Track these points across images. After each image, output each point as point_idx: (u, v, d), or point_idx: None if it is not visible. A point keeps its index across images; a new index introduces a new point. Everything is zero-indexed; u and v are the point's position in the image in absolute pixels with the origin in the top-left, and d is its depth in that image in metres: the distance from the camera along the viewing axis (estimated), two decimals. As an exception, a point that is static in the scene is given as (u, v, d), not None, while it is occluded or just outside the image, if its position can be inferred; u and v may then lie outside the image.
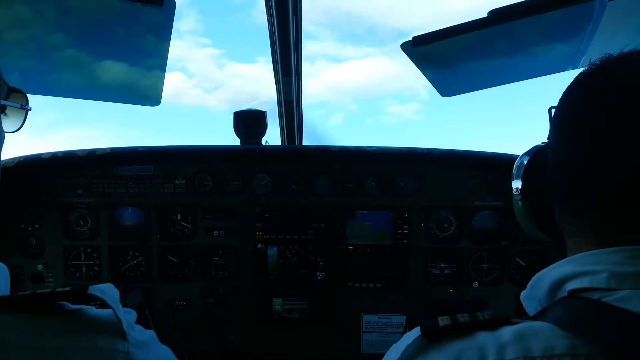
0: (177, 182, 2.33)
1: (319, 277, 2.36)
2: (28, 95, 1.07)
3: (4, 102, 1.00)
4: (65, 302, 0.83)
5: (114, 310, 0.82)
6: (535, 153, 0.96)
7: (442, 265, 2.41)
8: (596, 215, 0.77)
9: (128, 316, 0.90)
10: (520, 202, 1.00)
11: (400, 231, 2.33)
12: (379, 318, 2.43)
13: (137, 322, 0.94)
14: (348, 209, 2.33)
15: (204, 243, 2.38)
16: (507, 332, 0.74)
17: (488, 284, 2.39)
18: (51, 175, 2.31)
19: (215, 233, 2.38)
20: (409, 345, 0.80)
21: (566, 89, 0.82)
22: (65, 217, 2.36)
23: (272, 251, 2.36)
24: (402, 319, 2.41)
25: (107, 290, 0.85)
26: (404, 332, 2.36)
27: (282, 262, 2.37)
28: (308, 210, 2.33)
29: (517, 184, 0.99)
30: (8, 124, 1.02)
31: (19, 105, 1.05)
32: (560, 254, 0.87)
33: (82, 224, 2.37)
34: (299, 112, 2.39)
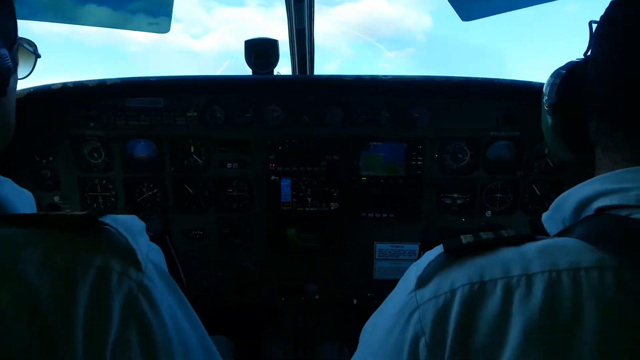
0: (188, 114, 2.30)
1: (332, 208, 2.39)
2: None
3: (23, 45, 0.97)
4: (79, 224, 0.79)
5: (127, 239, 0.78)
6: (571, 67, 0.94)
7: (455, 195, 2.42)
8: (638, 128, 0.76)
9: (153, 254, 0.86)
10: (551, 117, 0.98)
11: (414, 162, 2.32)
12: (392, 246, 2.48)
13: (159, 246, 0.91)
14: (361, 140, 2.30)
15: (217, 175, 2.39)
16: (531, 247, 0.74)
17: (501, 213, 2.41)
18: (62, 107, 2.29)
19: (229, 165, 2.38)
20: (430, 262, 0.80)
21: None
22: (78, 149, 2.36)
23: (286, 183, 2.36)
24: (414, 247, 2.46)
25: (124, 221, 0.82)
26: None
27: (296, 194, 2.38)
28: (321, 142, 2.31)
29: (550, 98, 0.97)
30: (19, 70, 1.00)
31: (32, 49, 1.03)
32: (578, 182, 0.86)
33: (95, 156, 2.37)
34: (311, 41, 2.31)
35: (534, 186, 2.36)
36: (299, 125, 2.31)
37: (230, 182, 2.42)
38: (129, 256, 0.77)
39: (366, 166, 2.34)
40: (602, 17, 0.81)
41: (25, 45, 1.02)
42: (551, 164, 2.33)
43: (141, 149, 2.38)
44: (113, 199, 2.43)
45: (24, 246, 0.73)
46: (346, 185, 2.37)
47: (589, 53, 0.87)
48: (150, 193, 2.43)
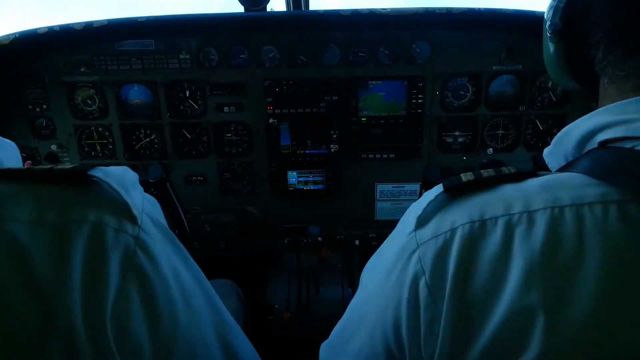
0: (181, 56, 2.24)
1: (332, 150, 2.36)
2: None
3: None
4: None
5: (119, 192, 0.75)
6: None
7: (457, 133, 2.39)
8: None
9: (149, 206, 0.82)
10: (553, 45, 0.93)
11: (414, 101, 2.27)
12: (393, 187, 2.47)
13: (159, 194, 0.87)
14: (360, 80, 2.25)
15: (215, 120, 2.35)
16: (533, 183, 0.71)
17: (503, 150, 2.38)
18: (51, 53, 2.22)
19: (226, 109, 2.34)
20: (430, 202, 0.78)
21: None
22: (72, 96, 2.32)
23: (284, 125, 2.33)
24: (415, 187, 2.46)
25: (115, 173, 0.78)
26: (420, 196, 2.42)
27: (295, 137, 2.35)
28: (319, 83, 2.25)
29: (553, 25, 0.90)
30: None
31: None
32: (581, 116, 0.82)
33: (89, 103, 2.33)
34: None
35: (537, 121, 2.33)
36: (295, 66, 2.24)
37: (229, 127, 2.38)
38: (123, 210, 0.75)
39: (366, 106, 2.30)
40: None
41: None
42: (554, 98, 2.29)
43: (135, 94, 2.34)
44: (111, 147, 2.41)
45: (11, 203, 0.69)
46: (346, 127, 2.33)
47: None
48: (148, 139, 2.41)
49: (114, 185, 0.75)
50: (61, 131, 2.37)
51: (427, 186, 2.37)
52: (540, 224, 0.65)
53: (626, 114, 0.71)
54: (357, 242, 2.57)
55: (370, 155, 2.38)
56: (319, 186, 2.44)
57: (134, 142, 2.41)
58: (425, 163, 2.41)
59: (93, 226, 0.70)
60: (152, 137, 2.40)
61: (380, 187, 2.48)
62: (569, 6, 0.87)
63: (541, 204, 0.67)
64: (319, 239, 2.54)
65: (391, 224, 2.58)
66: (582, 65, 0.86)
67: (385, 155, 2.38)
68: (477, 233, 0.69)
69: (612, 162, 0.67)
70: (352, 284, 2.49)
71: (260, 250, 2.60)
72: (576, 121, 0.81)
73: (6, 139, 0.88)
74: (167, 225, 0.87)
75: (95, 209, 0.72)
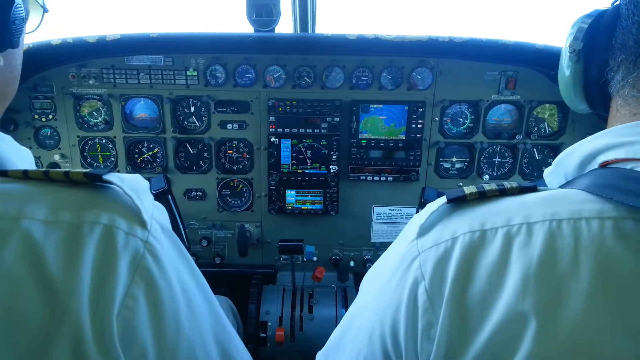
0: (188, 73, 2.29)
1: (332, 171, 2.40)
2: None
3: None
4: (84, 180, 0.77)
5: (131, 198, 0.77)
6: (599, 14, 0.90)
7: (454, 159, 2.44)
8: None
9: (158, 213, 0.84)
10: (572, 66, 0.95)
11: (414, 126, 2.32)
12: (390, 209, 2.51)
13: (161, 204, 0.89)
14: (362, 102, 2.30)
15: (218, 136, 2.39)
16: (534, 197, 0.74)
17: (499, 177, 2.43)
18: (62, 64, 2.27)
19: (229, 126, 2.38)
20: (433, 212, 0.81)
21: None
22: (78, 108, 2.36)
23: (286, 144, 2.37)
24: (411, 210, 2.49)
25: (129, 179, 0.81)
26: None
27: (296, 156, 2.39)
28: (322, 104, 2.30)
29: (574, 45, 0.93)
30: (28, 24, 0.98)
31: (41, 3, 1.01)
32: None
33: (95, 115, 2.37)
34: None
35: (533, 150, 2.38)
36: (300, 86, 2.30)
37: (231, 144, 2.42)
38: (134, 215, 0.77)
39: (366, 129, 2.34)
40: None
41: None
42: (550, 129, 2.35)
43: (141, 108, 2.38)
44: (113, 159, 2.43)
45: (27, 201, 0.71)
46: (346, 148, 2.38)
47: (617, 2, 0.85)
48: (150, 153, 2.44)
49: (127, 190, 0.77)
50: (65, 141, 2.40)
51: (423, 206, 2.40)
52: (539, 235, 0.68)
53: (629, 137, 0.75)
54: (352, 263, 2.59)
55: (368, 177, 2.42)
56: (317, 206, 2.46)
57: (137, 155, 2.44)
58: (422, 187, 2.44)
59: (105, 228, 0.73)
60: (155, 151, 2.43)
61: (377, 209, 2.51)
62: (592, 27, 0.90)
63: (540, 216, 0.70)
64: (314, 258, 2.56)
65: (386, 246, 2.58)
66: (597, 87, 0.90)
67: (383, 178, 2.42)
68: (477, 242, 0.72)
69: (610, 181, 0.70)
70: (346, 304, 2.49)
71: (256, 267, 2.61)
72: (579, 142, 0.84)
73: (24, 147, 0.91)
74: (174, 232, 0.89)
75: (108, 211, 0.74)
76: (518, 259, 0.68)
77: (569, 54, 0.95)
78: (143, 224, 0.77)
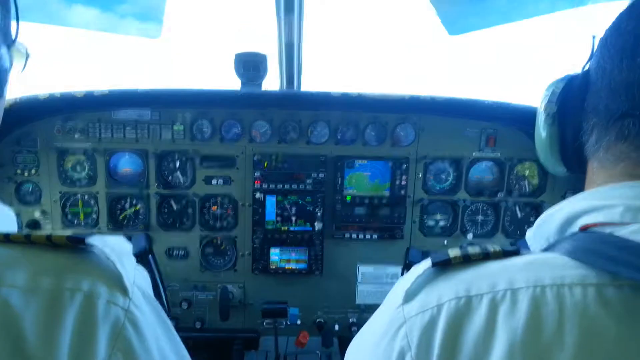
0: (175, 127, 2.32)
1: (316, 228, 2.38)
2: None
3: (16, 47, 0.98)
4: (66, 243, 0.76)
5: (114, 262, 0.76)
6: (571, 79, 0.93)
7: (438, 216, 2.45)
8: None
9: (140, 278, 0.83)
10: (548, 128, 0.97)
11: (398, 182, 2.35)
12: (375, 269, 2.46)
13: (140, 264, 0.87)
14: (347, 158, 2.34)
15: (202, 192, 2.38)
16: (517, 262, 0.75)
17: (482, 235, 2.43)
18: (48, 118, 2.29)
19: (214, 182, 2.38)
20: (418, 276, 0.81)
21: (628, 7, 0.80)
22: (62, 162, 2.34)
23: (271, 201, 2.36)
24: (397, 269, 2.45)
25: (111, 243, 0.79)
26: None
27: (280, 212, 2.37)
28: (307, 159, 2.33)
29: (549, 109, 0.95)
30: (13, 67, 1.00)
31: (24, 51, 1.04)
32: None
33: (79, 169, 2.36)
34: (299, 57, 2.38)
35: (515, 208, 2.41)
36: (285, 141, 2.34)
37: (215, 199, 2.41)
38: (116, 281, 0.75)
39: (351, 184, 2.36)
40: (610, 29, 0.82)
41: (18, 45, 0.99)
42: (530, 187, 2.40)
43: (126, 163, 2.38)
44: (95, 215, 2.39)
45: (7, 267, 0.70)
46: (331, 205, 2.38)
47: (587, 67, 0.88)
48: (132, 210, 2.41)
49: (110, 254, 0.76)
50: (46, 197, 2.36)
51: (408, 267, 2.37)
52: (523, 302, 0.68)
53: (607, 200, 0.75)
54: (336, 326, 2.49)
55: (353, 235, 2.40)
56: (301, 265, 2.42)
57: (119, 212, 2.41)
58: (407, 245, 2.43)
59: (85, 296, 0.71)
60: (137, 207, 2.40)
61: (362, 269, 2.47)
62: (565, 91, 0.93)
63: (524, 282, 0.70)
64: (298, 321, 2.46)
65: (371, 308, 2.51)
66: (573, 149, 0.91)
67: (368, 236, 2.40)
68: (462, 310, 0.72)
69: (591, 246, 0.71)
70: (332, 370, 2.37)
71: (238, 331, 2.49)
72: (559, 204, 0.85)
73: (5, 207, 0.89)
74: (155, 299, 0.87)
75: (89, 277, 0.73)
76: (504, 326, 0.68)
77: (544, 117, 0.98)
78: (124, 290, 0.76)
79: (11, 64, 0.90)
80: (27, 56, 1.05)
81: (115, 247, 0.79)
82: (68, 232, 0.78)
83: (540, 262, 0.73)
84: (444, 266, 0.79)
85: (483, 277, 0.73)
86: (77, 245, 0.76)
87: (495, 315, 0.68)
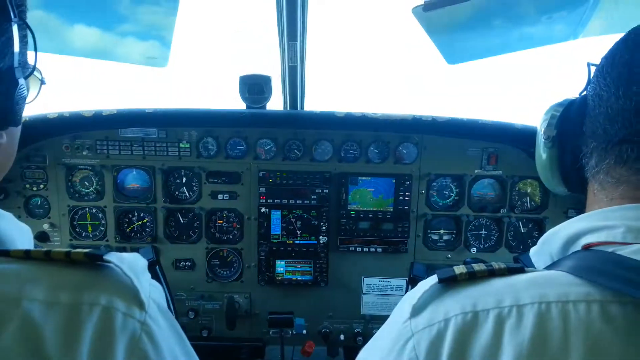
0: (181, 145, 2.35)
1: (321, 241, 2.41)
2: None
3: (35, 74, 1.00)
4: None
5: (130, 278, 0.78)
6: (570, 103, 0.96)
7: (442, 231, 2.48)
8: None
9: (155, 292, 0.85)
10: (548, 151, 1.00)
11: (401, 198, 2.38)
12: (379, 281, 2.50)
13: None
14: (350, 175, 2.36)
15: (208, 206, 2.42)
16: (522, 279, 0.77)
17: (486, 250, 2.46)
18: (56, 136, 2.32)
19: (220, 197, 2.42)
20: (425, 292, 0.82)
21: (623, 39, 0.83)
22: (70, 177, 2.38)
23: (276, 215, 2.40)
24: (401, 282, 2.49)
25: (128, 260, 0.82)
26: (407, 291, 2.41)
27: (286, 226, 2.41)
28: (311, 176, 2.36)
29: (548, 132, 0.98)
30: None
31: (40, 77, 1.06)
32: (558, 222, 0.90)
33: (87, 184, 2.40)
34: (302, 79, 2.40)
35: (519, 223, 2.43)
36: (289, 159, 2.36)
37: (221, 213, 2.45)
38: (132, 295, 0.78)
39: (355, 200, 2.39)
40: (606, 58, 0.85)
41: (35, 73, 1.02)
42: (532, 204, 2.42)
43: (133, 179, 2.42)
44: (102, 228, 2.43)
45: (27, 282, 0.72)
46: (335, 219, 2.41)
47: (584, 92, 0.91)
48: (140, 223, 2.45)
49: (126, 270, 0.79)
50: (55, 211, 2.40)
51: (412, 282, 2.40)
52: (529, 318, 0.70)
53: (609, 220, 0.78)
54: (342, 336, 2.54)
55: (358, 248, 2.44)
56: (307, 277, 2.46)
57: (126, 225, 2.45)
58: (411, 258, 2.46)
59: (103, 309, 0.73)
60: (145, 221, 2.44)
61: (367, 281, 2.50)
62: (564, 115, 0.96)
63: (529, 299, 0.72)
64: (304, 331, 2.51)
65: (376, 319, 2.54)
66: (573, 171, 0.94)
67: (372, 249, 2.43)
68: (469, 324, 0.74)
69: (594, 264, 0.73)
70: (336, 380, 2.43)
71: (244, 340, 2.55)
72: (563, 224, 0.87)
73: (23, 224, 0.92)
74: (170, 312, 0.89)
75: (106, 292, 0.75)
76: (510, 341, 0.69)
77: (543, 140, 1.01)
78: (141, 304, 0.78)
79: (28, 92, 0.93)
80: (42, 83, 1.08)
81: (131, 264, 0.82)
82: (85, 249, 0.80)
83: (545, 279, 0.74)
84: (450, 282, 0.81)
85: (489, 294, 0.75)
86: (94, 262, 0.78)
87: (501, 330, 0.70)
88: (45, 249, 0.79)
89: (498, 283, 0.78)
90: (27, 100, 1.03)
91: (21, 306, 0.69)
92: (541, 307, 0.70)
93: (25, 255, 0.77)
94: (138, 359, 0.75)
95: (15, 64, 0.83)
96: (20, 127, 0.96)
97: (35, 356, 0.67)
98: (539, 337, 0.68)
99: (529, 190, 2.41)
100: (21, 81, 0.85)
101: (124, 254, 0.83)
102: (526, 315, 0.70)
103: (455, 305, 0.77)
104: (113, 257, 0.79)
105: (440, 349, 0.74)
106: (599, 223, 0.79)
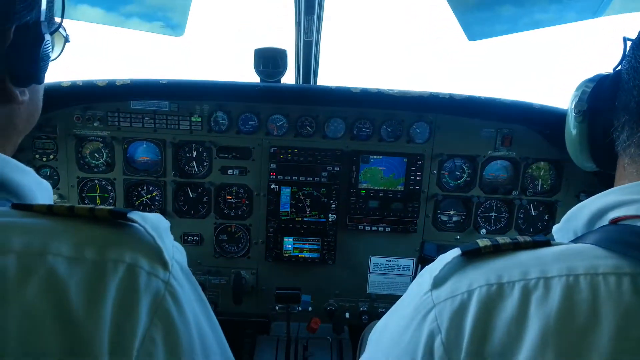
0: (193, 119, 2.33)
1: (330, 219, 2.41)
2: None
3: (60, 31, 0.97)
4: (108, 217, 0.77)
5: (153, 237, 0.76)
6: (602, 78, 0.95)
7: (452, 212, 2.47)
8: None
9: (178, 254, 0.84)
10: (578, 125, 1.00)
11: (412, 177, 2.36)
12: (387, 260, 2.50)
13: None
14: (362, 153, 2.35)
15: (218, 181, 2.41)
16: (549, 252, 0.75)
17: (495, 232, 2.45)
18: (68, 106, 2.30)
19: (230, 172, 2.40)
20: (447, 264, 0.81)
21: None
22: (80, 149, 2.37)
23: (285, 192, 2.39)
24: (409, 262, 2.49)
25: (151, 219, 0.80)
26: (416, 271, 2.41)
27: (295, 203, 2.40)
28: (323, 153, 2.34)
29: (579, 106, 0.98)
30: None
31: (65, 34, 1.04)
32: (570, 206, 0.89)
33: (97, 156, 2.39)
34: (316, 54, 2.36)
35: (530, 206, 2.42)
36: (301, 135, 2.34)
37: (231, 189, 2.44)
38: (156, 255, 0.76)
39: (366, 179, 2.38)
40: None
41: (61, 29, 0.99)
42: (545, 186, 2.40)
43: (143, 152, 2.40)
44: (111, 201, 2.43)
45: (52, 237, 0.71)
46: (345, 197, 2.40)
47: (619, 67, 0.90)
48: (149, 196, 2.44)
49: (150, 229, 0.77)
50: (64, 182, 2.40)
51: (422, 261, 2.40)
52: (556, 290, 0.69)
53: (636, 194, 0.76)
54: (347, 314, 2.55)
55: (367, 227, 2.43)
56: (314, 254, 2.46)
57: (135, 198, 2.44)
58: (420, 239, 2.46)
59: (128, 267, 0.72)
60: (154, 194, 2.44)
61: (374, 260, 2.51)
62: (596, 90, 0.96)
63: (557, 271, 0.70)
64: (310, 308, 2.52)
65: (382, 298, 2.54)
66: (603, 146, 0.92)
67: (381, 228, 2.43)
68: (494, 296, 0.72)
69: (623, 237, 0.72)
70: (341, 357, 2.44)
71: (249, 316, 2.56)
72: (589, 199, 0.85)
73: (44, 180, 0.91)
74: (192, 275, 0.88)
75: (131, 250, 0.74)
76: (537, 312, 0.68)
77: (574, 114, 1.00)
78: (164, 264, 0.76)
79: (53, 49, 0.91)
80: (66, 41, 1.06)
81: (154, 223, 0.80)
82: (108, 206, 0.79)
83: (573, 252, 0.73)
84: (473, 255, 0.79)
85: (514, 266, 0.74)
86: (118, 219, 0.77)
87: (527, 302, 0.69)
88: (68, 204, 0.78)
89: (523, 256, 0.76)
90: (52, 57, 1.01)
91: (46, 260, 0.68)
92: (569, 280, 0.69)
93: (49, 211, 0.76)
94: (161, 319, 0.74)
95: (42, 17, 0.80)
96: (43, 85, 0.94)
97: (59, 310, 0.66)
98: (567, 309, 0.67)
99: (541, 173, 2.39)
100: (47, 36, 0.82)
101: (147, 214, 0.82)
102: (554, 287, 0.69)
103: (480, 277, 0.75)
104: (136, 216, 0.78)
105: (463, 320, 0.73)
106: (629, 197, 0.77)
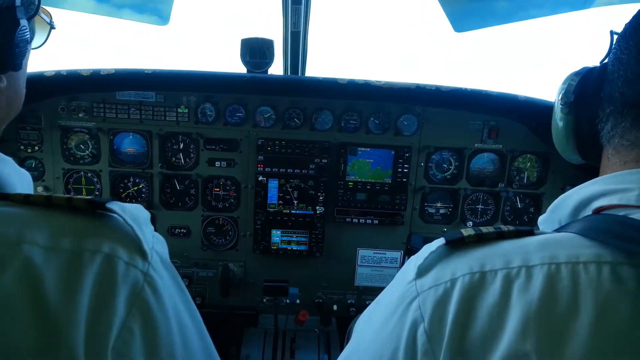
0: (179, 110, 2.32)
1: (318, 212, 2.41)
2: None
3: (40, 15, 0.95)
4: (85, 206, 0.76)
5: (132, 228, 0.76)
6: (588, 72, 0.97)
7: (439, 204, 2.48)
8: None
9: (158, 245, 0.84)
10: (564, 117, 1.01)
11: (400, 170, 2.37)
12: (374, 253, 2.51)
13: None
14: (350, 145, 2.34)
15: (205, 173, 2.40)
16: (531, 241, 0.76)
17: (481, 224, 2.47)
18: (53, 96, 2.28)
19: (217, 164, 2.39)
20: (431, 252, 0.81)
21: None
22: (65, 140, 2.34)
23: (273, 184, 2.38)
24: (396, 254, 2.50)
25: (130, 209, 0.80)
26: (403, 263, 2.43)
27: (282, 196, 2.40)
28: (310, 146, 2.34)
29: (566, 98, 1.00)
30: (35, 39, 0.97)
31: (48, 20, 1.02)
32: (555, 198, 0.90)
33: (82, 148, 2.36)
34: (304, 45, 2.36)
35: (516, 198, 2.44)
36: (289, 127, 2.34)
37: (218, 181, 2.43)
38: (135, 245, 0.76)
39: (354, 171, 2.38)
40: (629, 24, 0.85)
41: (42, 14, 0.98)
42: (531, 179, 2.42)
43: (129, 143, 2.38)
44: (97, 192, 2.41)
45: (28, 226, 0.70)
46: (333, 190, 2.40)
47: (605, 60, 0.91)
48: (135, 188, 2.42)
49: (129, 220, 0.77)
50: (49, 173, 2.37)
51: (410, 253, 2.41)
52: (538, 278, 0.69)
53: (622, 184, 0.77)
54: (335, 307, 2.55)
55: (354, 220, 2.43)
56: (302, 247, 2.46)
57: (121, 190, 2.42)
58: (407, 231, 2.47)
59: (106, 257, 0.71)
60: (140, 186, 2.42)
61: (362, 252, 2.51)
62: (582, 82, 0.97)
63: (539, 260, 0.71)
64: (297, 300, 2.53)
65: (370, 291, 2.55)
66: (589, 137, 0.94)
67: (369, 221, 2.43)
68: (476, 284, 0.73)
69: (605, 226, 0.72)
70: (329, 349, 2.45)
71: (237, 309, 2.56)
72: (574, 189, 0.87)
73: (24, 170, 0.90)
74: (172, 265, 0.88)
75: (109, 240, 0.73)
76: (518, 300, 0.69)
77: (560, 106, 1.01)
78: (144, 255, 0.76)
79: (33, 35, 0.89)
80: (52, 28, 1.04)
81: (134, 213, 0.79)
82: (86, 196, 0.78)
83: (555, 241, 0.74)
84: (457, 244, 0.80)
85: (497, 255, 0.74)
86: (96, 209, 0.76)
87: (509, 290, 0.70)
88: (45, 194, 0.77)
89: (506, 245, 0.77)
90: (33, 45, 0.99)
91: (22, 250, 0.67)
92: (551, 268, 0.69)
93: (26, 200, 0.75)
94: (139, 310, 0.74)
95: (17, 2, 0.78)
96: (24, 73, 0.92)
97: (35, 301, 0.65)
98: (548, 297, 0.68)
99: (528, 166, 2.41)
100: (23, 22, 0.80)
101: (127, 204, 0.81)
102: (535, 275, 0.70)
103: (463, 266, 0.76)
104: (115, 206, 0.77)
105: (446, 308, 0.74)
106: (612, 186, 0.78)
